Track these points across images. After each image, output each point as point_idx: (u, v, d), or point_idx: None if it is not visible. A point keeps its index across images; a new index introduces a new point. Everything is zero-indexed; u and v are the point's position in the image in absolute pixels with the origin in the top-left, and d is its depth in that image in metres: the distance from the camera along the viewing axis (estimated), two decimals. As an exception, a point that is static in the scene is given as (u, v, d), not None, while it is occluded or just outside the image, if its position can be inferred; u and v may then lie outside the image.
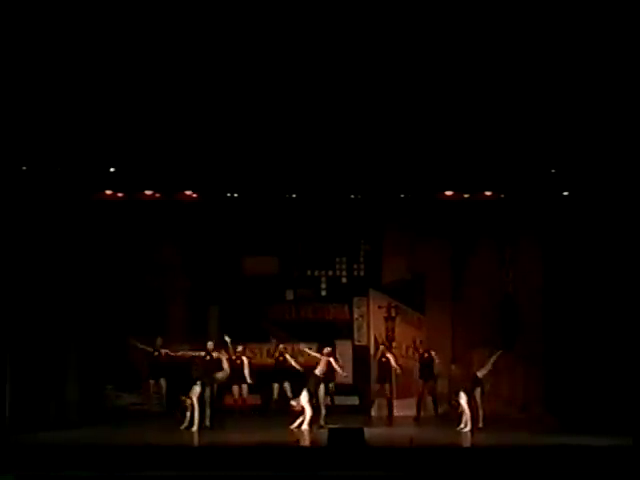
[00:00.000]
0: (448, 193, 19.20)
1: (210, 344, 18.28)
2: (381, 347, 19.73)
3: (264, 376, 19.26)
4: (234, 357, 18.48)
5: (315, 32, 13.47)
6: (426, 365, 19.37)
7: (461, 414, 17.28)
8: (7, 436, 15.83)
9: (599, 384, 18.03)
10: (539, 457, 14.31)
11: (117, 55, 13.84)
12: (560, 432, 16.67)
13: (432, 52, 13.93)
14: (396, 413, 19.59)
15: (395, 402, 19.74)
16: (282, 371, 19.19)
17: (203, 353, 18.22)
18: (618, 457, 14.13)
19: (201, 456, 14.60)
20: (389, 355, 19.45)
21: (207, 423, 17.45)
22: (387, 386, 19.48)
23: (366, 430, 14.96)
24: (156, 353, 18.98)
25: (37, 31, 13.34)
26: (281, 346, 19.44)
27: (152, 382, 19.04)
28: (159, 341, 19.02)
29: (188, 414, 17.18)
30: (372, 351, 20.21)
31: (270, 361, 19.62)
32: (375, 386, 19.71)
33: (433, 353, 19.32)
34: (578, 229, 19.00)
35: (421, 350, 19.58)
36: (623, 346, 17.66)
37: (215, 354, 18.14)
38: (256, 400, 19.47)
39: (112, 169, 17.34)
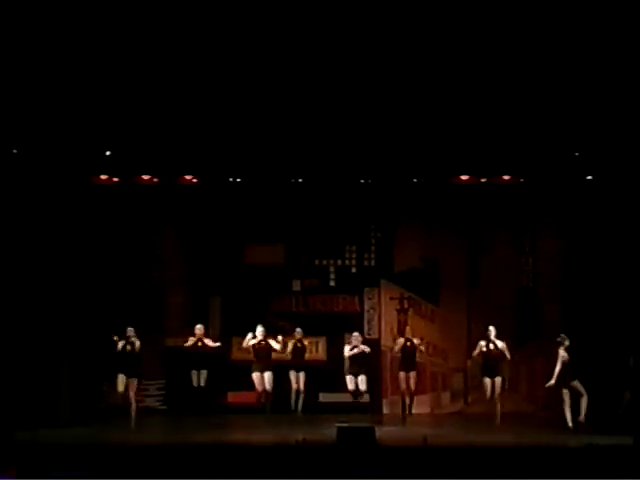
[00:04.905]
0: (464, 177, 18.80)
1: (199, 327, 18.19)
2: (407, 335, 18.78)
3: (276, 370, 18.45)
4: (258, 346, 18.05)
5: (320, 13, 13.39)
6: (492, 360, 17.42)
7: None
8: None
9: (604, 382, 17.41)
10: (538, 455, 13.68)
11: (112, 37, 13.76)
12: (560, 432, 15.98)
13: (448, 29, 13.77)
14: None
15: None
16: (300, 360, 18.56)
17: (191, 341, 18.11)
18: (618, 456, 13.49)
19: (203, 455, 13.80)
20: (415, 340, 18.52)
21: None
22: (413, 374, 18.34)
23: (377, 429, 14.33)
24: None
25: (29, 17, 13.31)
26: (298, 330, 18.71)
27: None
28: (116, 339, 17.86)
29: None
30: (383, 344, 19.69)
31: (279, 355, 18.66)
32: (400, 375, 18.59)
33: (500, 345, 17.34)
34: (602, 216, 18.61)
35: (485, 342, 17.53)
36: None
37: (208, 341, 18.03)
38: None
39: (108, 152, 17.11)
